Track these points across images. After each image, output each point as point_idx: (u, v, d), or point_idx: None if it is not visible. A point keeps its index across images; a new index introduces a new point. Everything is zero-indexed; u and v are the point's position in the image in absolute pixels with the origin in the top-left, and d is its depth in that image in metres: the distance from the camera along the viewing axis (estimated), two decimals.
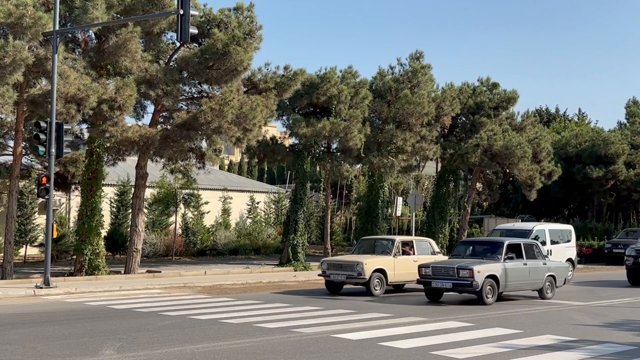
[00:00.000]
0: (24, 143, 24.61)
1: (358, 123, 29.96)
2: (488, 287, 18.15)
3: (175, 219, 34.51)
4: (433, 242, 23.11)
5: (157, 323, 14.52)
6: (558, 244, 27.12)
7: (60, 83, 20.90)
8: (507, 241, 19.38)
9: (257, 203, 40.77)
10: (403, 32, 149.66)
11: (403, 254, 21.36)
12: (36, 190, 24.20)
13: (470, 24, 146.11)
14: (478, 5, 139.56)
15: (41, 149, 21.12)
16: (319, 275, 21.72)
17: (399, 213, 37.09)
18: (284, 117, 31.32)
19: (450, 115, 34.49)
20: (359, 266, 20.14)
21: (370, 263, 20.33)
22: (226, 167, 55.94)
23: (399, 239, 21.83)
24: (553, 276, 20.07)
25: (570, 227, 29.13)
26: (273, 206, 41.87)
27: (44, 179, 21.36)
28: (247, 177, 52.63)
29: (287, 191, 43.09)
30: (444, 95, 34.10)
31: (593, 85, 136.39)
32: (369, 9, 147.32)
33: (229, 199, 39.18)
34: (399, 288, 21.90)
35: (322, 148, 32.59)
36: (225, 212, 38.96)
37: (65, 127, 21.37)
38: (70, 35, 23.58)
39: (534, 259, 19.66)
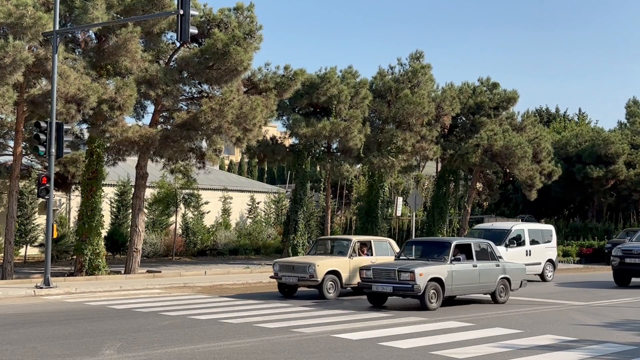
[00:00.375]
0: (24, 143, 24.62)
1: (358, 123, 29.97)
2: (432, 291, 16.85)
3: (176, 219, 34.51)
4: (393, 243, 21.81)
5: (157, 323, 14.52)
6: (538, 244, 26.55)
7: (60, 83, 20.90)
8: (455, 241, 18.00)
9: (257, 203, 40.78)
10: (403, 32, 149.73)
11: (361, 254, 20.25)
12: (36, 190, 24.22)
13: (471, 24, 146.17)
14: (478, 5, 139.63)
15: (41, 149, 21.12)
16: (271, 277, 20.66)
17: (399, 213, 37.11)
18: (284, 117, 31.34)
19: (451, 115, 34.51)
20: (311, 268, 19.04)
21: (323, 264, 19.22)
22: (226, 167, 55.95)
23: (355, 239, 20.59)
24: (507, 279, 18.71)
25: (550, 227, 28.45)
26: (273, 206, 41.88)
27: (44, 179, 21.36)
28: (247, 177, 52.64)
29: (287, 191, 43.11)
30: (444, 95, 34.11)
31: (593, 85, 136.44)
32: (369, 9, 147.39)
33: (229, 199, 39.19)
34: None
35: (322, 148, 32.60)
36: (226, 212, 38.97)
37: (65, 127, 21.37)
38: (70, 35, 23.59)
39: (486, 260, 18.37)
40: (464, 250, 18.12)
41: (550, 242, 27.14)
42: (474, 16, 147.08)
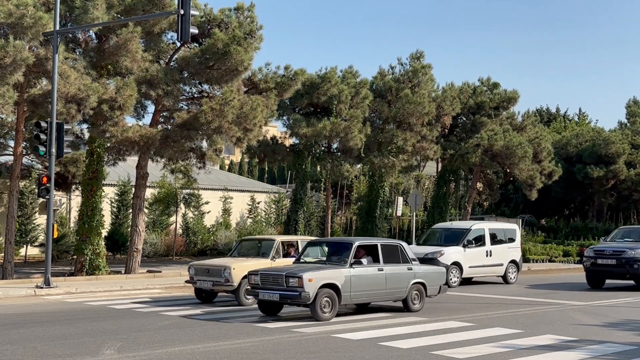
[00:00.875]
0: (25, 143, 24.63)
1: (358, 123, 29.98)
2: (325, 299, 14.89)
3: (176, 218, 34.52)
4: None
5: (158, 323, 14.52)
6: (500, 244, 25.10)
7: (60, 83, 20.91)
8: (358, 242, 15.99)
9: (258, 203, 40.78)
10: (403, 32, 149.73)
11: (286, 256, 18.37)
12: (37, 190, 24.22)
13: (471, 24, 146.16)
14: (478, 5, 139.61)
15: (42, 149, 21.13)
16: (186, 282, 18.88)
17: (399, 213, 37.09)
18: (285, 117, 31.35)
19: (451, 115, 34.54)
20: (226, 271, 17.18)
21: (239, 268, 17.26)
22: (226, 167, 55.96)
23: (279, 239, 18.80)
24: (422, 284, 16.83)
25: (515, 225, 27.02)
26: (273, 206, 41.87)
27: (45, 179, 21.37)
28: (248, 177, 52.64)
29: (287, 191, 43.10)
30: (445, 95, 34.12)
31: (593, 85, 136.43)
32: (369, 9, 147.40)
33: (230, 199, 39.19)
34: None
35: (323, 148, 32.61)
36: (226, 212, 38.97)
37: (65, 127, 21.38)
38: (70, 35, 23.60)
39: (396, 263, 16.42)
40: (370, 252, 16.22)
41: (514, 241, 25.76)
42: (474, 16, 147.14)
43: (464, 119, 36.66)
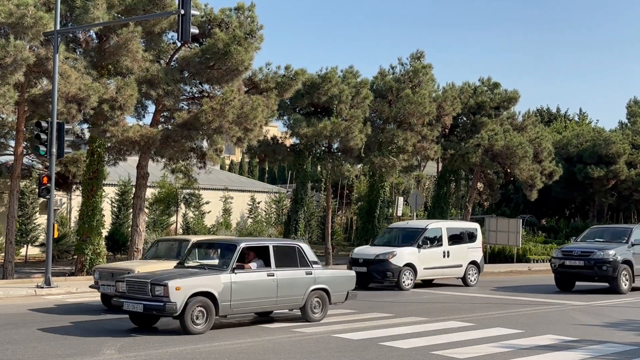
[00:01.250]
0: (25, 143, 24.63)
1: (359, 123, 29.96)
2: (196, 309, 13.03)
3: (176, 218, 34.52)
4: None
5: (158, 322, 14.51)
6: (459, 244, 23.89)
7: (61, 83, 20.91)
8: (243, 243, 14.21)
9: (258, 203, 40.80)
10: (404, 33, 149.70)
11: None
12: (37, 190, 24.21)
13: (471, 24, 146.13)
14: (478, 5, 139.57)
15: (42, 148, 21.13)
16: (90, 287, 17.58)
17: (399, 213, 37.12)
18: (285, 117, 31.33)
19: (451, 115, 34.52)
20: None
21: (144, 271, 15.26)
22: (227, 167, 55.98)
23: (195, 239, 16.63)
24: (325, 290, 15.05)
25: (475, 225, 25.58)
26: (274, 206, 41.89)
27: (45, 179, 21.37)
28: (248, 177, 52.66)
29: (288, 191, 43.12)
30: (445, 95, 34.12)
31: (594, 85, 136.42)
32: (370, 9, 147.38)
33: (230, 199, 39.19)
34: None
35: (323, 148, 32.59)
36: (226, 212, 38.99)
37: (66, 127, 21.38)
38: (71, 35, 23.60)
39: (293, 267, 14.65)
40: (262, 255, 14.52)
41: (474, 241, 24.42)
42: (474, 17, 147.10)
43: (465, 119, 36.65)
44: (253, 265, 14.32)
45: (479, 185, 39.23)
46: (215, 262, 14.39)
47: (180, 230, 35.29)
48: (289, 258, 14.75)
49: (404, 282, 22.00)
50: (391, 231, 24.82)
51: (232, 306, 13.61)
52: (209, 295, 13.22)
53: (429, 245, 23.06)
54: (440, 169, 38.33)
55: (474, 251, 24.30)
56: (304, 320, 14.84)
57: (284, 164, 38.28)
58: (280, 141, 32.59)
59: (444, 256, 23.31)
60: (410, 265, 22.27)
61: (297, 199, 31.81)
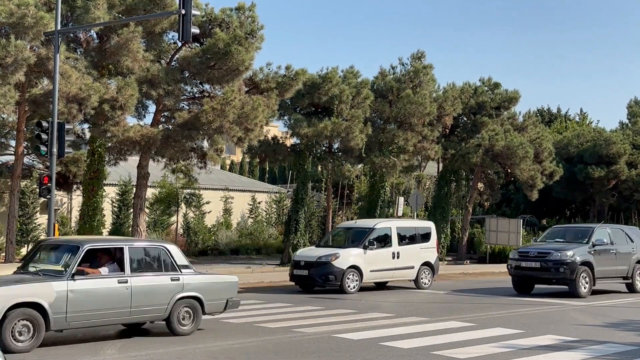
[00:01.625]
0: (26, 143, 24.64)
1: (359, 123, 29.96)
2: (19, 323, 11.10)
3: (177, 218, 34.52)
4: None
5: (158, 322, 14.51)
6: (411, 244, 22.48)
7: (61, 83, 20.92)
8: (88, 245, 12.24)
9: (259, 203, 40.79)
10: (405, 33, 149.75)
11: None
12: (38, 190, 24.22)
13: (472, 24, 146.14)
14: (479, 5, 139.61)
15: (43, 148, 21.14)
16: None
17: (400, 213, 37.07)
18: (286, 117, 31.31)
19: (452, 115, 34.51)
20: None
21: None
22: (227, 167, 55.97)
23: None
24: (197, 298, 13.19)
25: (429, 223, 24.16)
26: (274, 206, 41.88)
27: (46, 179, 21.37)
28: (249, 177, 52.66)
29: (288, 191, 43.10)
30: (446, 95, 34.11)
31: (594, 86, 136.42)
32: (370, 9, 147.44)
33: (231, 199, 39.19)
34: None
35: (324, 148, 32.59)
36: (227, 211, 38.98)
37: (66, 126, 21.37)
38: (72, 35, 23.61)
39: (156, 271, 12.84)
40: (117, 259, 12.70)
41: (428, 241, 22.95)
42: (475, 17, 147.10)
43: (465, 119, 36.63)
44: (104, 270, 12.42)
45: (480, 185, 39.21)
46: (57, 267, 12.19)
47: (181, 231, 35.30)
48: (151, 262, 12.97)
49: (347, 285, 20.58)
50: (339, 231, 23.86)
51: (69, 319, 11.67)
52: (37, 306, 11.29)
53: (376, 246, 21.55)
54: (440, 169, 38.31)
55: (427, 252, 22.78)
56: (304, 320, 14.84)
57: (284, 164, 38.28)
58: (280, 141, 32.58)
59: (393, 257, 21.81)
60: (355, 268, 20.86)
61: (298, 199, 31.80)
